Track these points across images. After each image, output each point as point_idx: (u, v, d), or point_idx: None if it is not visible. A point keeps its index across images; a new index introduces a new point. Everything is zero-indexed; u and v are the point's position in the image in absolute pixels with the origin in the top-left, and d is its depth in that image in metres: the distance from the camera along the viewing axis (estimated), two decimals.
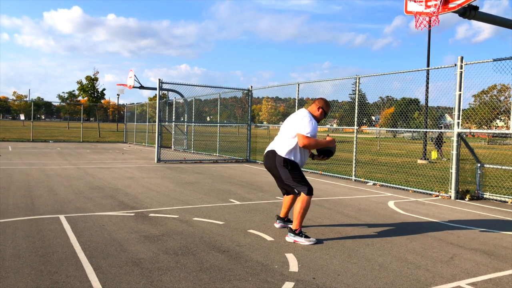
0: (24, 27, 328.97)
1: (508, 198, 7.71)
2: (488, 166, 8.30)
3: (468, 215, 6.40)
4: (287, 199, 5.06)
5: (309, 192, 4.59)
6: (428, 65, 16.68)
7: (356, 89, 10.33)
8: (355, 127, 10.33)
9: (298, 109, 11.99)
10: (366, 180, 10.01)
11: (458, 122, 7.87)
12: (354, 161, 10.36)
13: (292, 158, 4.65)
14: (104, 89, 40.76)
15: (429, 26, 6.44)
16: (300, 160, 4.70)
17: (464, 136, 8.15)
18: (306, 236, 4.51)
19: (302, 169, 4.80)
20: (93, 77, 39.23)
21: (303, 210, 4.56)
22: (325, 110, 4.82)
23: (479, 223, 5.87)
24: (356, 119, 10.35)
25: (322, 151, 4.76)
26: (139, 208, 6.03)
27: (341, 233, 5.00)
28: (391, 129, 11.02)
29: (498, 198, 7.84)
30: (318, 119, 4.79)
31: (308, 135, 4.53)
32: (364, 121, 11.97)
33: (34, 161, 12.37)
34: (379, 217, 5.99)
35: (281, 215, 5.13)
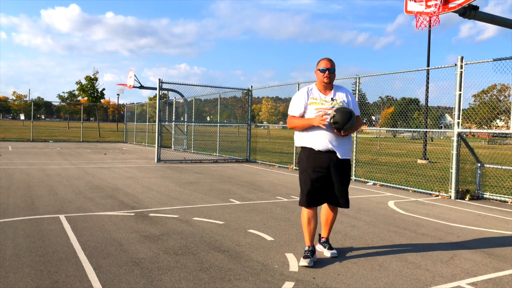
0: (22, 25, 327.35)
1: (508, 198, 7.71)
2: (488, 166, 8.30)
3: (468, 215, 6.40)
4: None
5: (300, 202, 3.94)
6: (428, 65, 16.68)
7: (356, 89, 10.33)
8: None
9: None
10: (366, 180, 10.01)
11: (458, 122, 7.87)
12: (354, 161, 10.36)
13: (303, 144, 3.90)
14: (103, 89, 40.64)
15: (430, 26, 6.44)
16: (317, 141, 3.82)
17: (464, 136, 8.15)
18: (305, 256, 3.82)
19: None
20: (92, 77, 39.22)
21: (302, 223, 4.03)
22: (319, 68, 3.91)
23: (479, 223, 5.87)
24: None
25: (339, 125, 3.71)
26: (139, 208, 6.03)
27: (341, 233, 5.00)
28: (391, 129, 11.02)
29: (498, 198, 7.84)
30: (322, 85, 3.92)
31: (289, 114, 3.97)
32: (364, 121, 11.97)
33: (34, 161, 12.37)
34: (379, 217, 5.99)
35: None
